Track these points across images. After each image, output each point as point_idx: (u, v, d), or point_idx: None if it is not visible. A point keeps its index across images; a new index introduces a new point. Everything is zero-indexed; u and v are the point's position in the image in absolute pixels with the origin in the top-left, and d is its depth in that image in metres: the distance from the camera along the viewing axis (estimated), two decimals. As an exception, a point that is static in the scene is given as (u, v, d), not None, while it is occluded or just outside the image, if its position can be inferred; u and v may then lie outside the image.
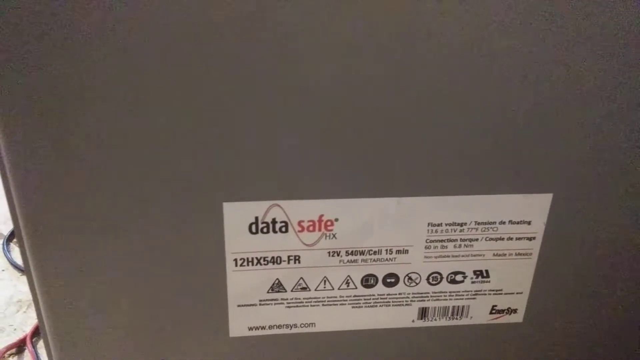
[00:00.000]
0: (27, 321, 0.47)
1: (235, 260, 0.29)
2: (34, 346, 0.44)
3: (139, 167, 0.26)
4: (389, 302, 0.31)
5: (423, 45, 0.25)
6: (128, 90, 0.24)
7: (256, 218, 0.29)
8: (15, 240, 0.57)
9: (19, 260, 0.55)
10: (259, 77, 0.25)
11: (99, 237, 0.28)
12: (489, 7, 0.25)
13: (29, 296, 0.49)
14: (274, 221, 0.29)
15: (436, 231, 0.30)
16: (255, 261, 0.30)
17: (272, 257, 0.30)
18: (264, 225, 0.29)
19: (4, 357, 0.43)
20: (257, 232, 0.29)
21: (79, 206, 0.27)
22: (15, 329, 0.47)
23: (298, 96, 0.26)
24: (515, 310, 0.33)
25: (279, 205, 0.28)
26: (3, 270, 0.54)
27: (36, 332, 0.46)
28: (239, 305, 0.31)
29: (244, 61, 0.24)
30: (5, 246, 0.56)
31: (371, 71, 0.25)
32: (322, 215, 0.29)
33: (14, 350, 0.45)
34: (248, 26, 0.24)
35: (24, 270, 0.51)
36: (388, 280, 0.31)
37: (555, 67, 0.26)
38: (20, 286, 0.52)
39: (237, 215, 0.28)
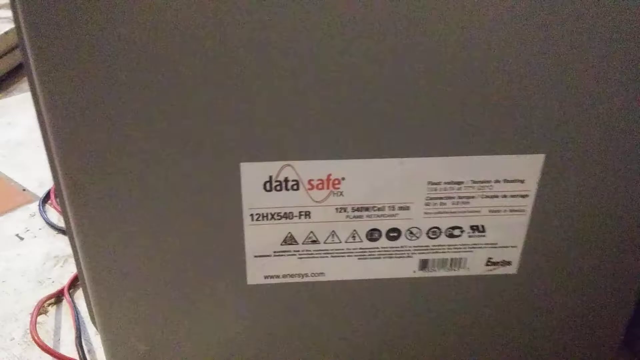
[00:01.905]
0: (64, 274, 0.52)
1: (252, 215, 0.32)
2: (71, 296, 0.48)
3: (169, 135, 0.29)
4: (392, 254, 0.34)
5: (419, 11, 0.27)
6: (156, 71, 0.27)
7: (270, 177, 0.31)
8: (49, 201, 0.62)
9: (54, 220, 0.59)
10: (271, 54, 0.27)
11: (130, 197, 0.31)
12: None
13: (65, 252, 0.54)
14: (286, 180, 0.32)
15: (435, 189, 0.33)
16: (269, 216, 0.33)
17: (285, 213, 0.33)
18: (277, 183, 0.32)
19: (43, 306, 0.48)
20: (271, 190, 0.32)
21: (114, 171, 0.30)
22: (53, 282, 0.51)
23: (305, 70, 0.28)
24: (509, 263, 0.35)
25: (290, 165, 0.31)
26: (40, 229, 0.58)
27: (72, 285, 0.50)
28: (255, 256, 0.34)
29: (253, 44, 0.27)
30: (41, 207, 0.61)
31: (371, 43, 0.28)
32: (330, 175, 0.32)
33: (52, 301, 0.49)
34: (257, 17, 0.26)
35: (59, 228, 0.55)
36: (391, 234, 0.34)
37: (550, 32, 0.28)
38: (57, 243, 0.56)
39: (253, 174, 0.31)
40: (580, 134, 0.31)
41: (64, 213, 0.34)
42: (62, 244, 0.55)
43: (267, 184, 0.32)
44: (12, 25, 0.98)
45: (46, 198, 0.62)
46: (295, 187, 0.32)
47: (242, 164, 0.31)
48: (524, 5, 0.27)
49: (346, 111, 0.30)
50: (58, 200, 0.32)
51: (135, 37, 0.27)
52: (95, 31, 0.26)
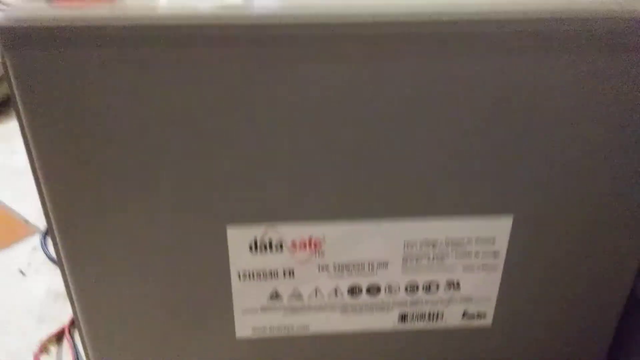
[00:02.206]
0: (65, 311, 0.54)
1: (239, 274, 0.34)
2: (71, 335, 0.50)
3: (159, 200, 0.31)
4: (373, 308, 0.36)
5: (391, 90, 0.29)
6: (144, 132, 0.29)
7: (255, 238, 0.34)
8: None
9: (54, 255, 0.61)
10: (256, 127, 0.29)
11: (123, 252, 0.33)
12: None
13: (66, 289, 0.56)
14: (270, 242, 0.34)
15: (411, 248, 0.35)
16: (255, 275, 0.35)
17: (270, 272, 0.35)
18: (262, 245, 0.34)
19: (45, 346, 0.50)
20: (256, 251, 0.34)
21: (107, 228, 0.32)
22: (54, 319, 0.53)
23: (287, 141, 0.30)
24: (484, 315, 0.37)
25: (274, 228, 0.33)
26: (42, 264, 0.60)
27: (72, 324, 0.52)
28: (243, 310, 0.36)
29: (240, 113, 0.29)
30: (43, 241, 0.63)
31: (348, 121, 0.30)
32: (311, 236, 0.34)
33: (54, 340, 0.51)
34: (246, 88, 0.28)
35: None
36: (370, 290, 0.36)
37: (517, 95, 0.30)
38: (57, 278, 0.58)
39: (239, 237, 0.33)
40: (544, 197, 0.33)
41: (56, 252, 0.35)
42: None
43: (252, 246, 0.34)
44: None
45: (48, 231, 0.64)
46: (278, 248, 0.34)
47: (228, 229, 0.33)
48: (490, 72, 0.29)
49: (327, 177, 0.32)
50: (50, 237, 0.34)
51: (125, 125, 0.29)
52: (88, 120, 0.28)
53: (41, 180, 0.31)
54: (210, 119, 0.29)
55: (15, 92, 0.28)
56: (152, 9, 0.27)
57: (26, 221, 0.67)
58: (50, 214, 0.32)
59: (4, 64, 0.27)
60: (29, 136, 0.30)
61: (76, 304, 0.35)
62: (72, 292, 0.35)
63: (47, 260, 0.61)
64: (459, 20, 0.28)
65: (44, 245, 0.63)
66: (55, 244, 0.34)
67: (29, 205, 0.70)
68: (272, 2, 0.28)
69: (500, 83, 0.29)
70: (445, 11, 0.28)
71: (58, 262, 0.35)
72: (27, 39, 0.26)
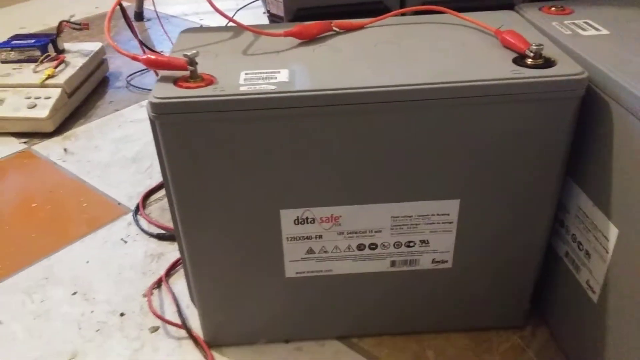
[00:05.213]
0: (160, 267, 0.76)
1: (287, 237, 0.55)
2: (167, 282, 0.72)
3: (244, 196, 0.52)
4: (373, 257, 0.57)
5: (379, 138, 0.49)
6: (234, 161, 0.50)
7: (297, 217, 0.54)
8: (140, 213, 0.85)
9: (145, 227, 0.83)
10: (298, 159, 0.50)
11: (220, 226, 0.54)
12: (411, 113, 0.48)
13: (158, 251, 0.78)
14: (306, 218, 0.54)
15: (396, 220, 0.55)
16: (298, 238, 0.55)
17: (307, 236, 0.55)
18: (302, 220, 0.54)
19: (152, 292, 0.72)
20: (298, 224, 0.54)
21: (213, 215, 0.53)
22: (153, 273, 0.75)
23: (317, 166, 0.50)
24: (446, 261, 0.57)
25: (309, 210, 0.54)
26: (137, 234, 0.82)
27: (167, 274, 0.74)
28: (290, 261, 0.57)
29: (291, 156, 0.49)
30: (135, 217, 0.85)
31: (353, 155, 0.50)
32: (332, 214, 0.54)
33: (155, 286, 0.73)
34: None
35: (150, 234, 0.78)
36: (371, 246, 0.56)
37: (466, 134, 0.49)
38: (151, 245, 0.80)
39: (287, 216, 0.54)
40: (478, 188, 0.53)
41: (174, 223, 0.56)
42: (155, 245, 0.79)
43: (296, 221, 0.54)
44: (85, 60, 1.21)
45: (137, 210, 0.86)
46: (312, 221, 0.54)
47: (281, 211, 0.53)
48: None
49: (342, 182, 0.52)
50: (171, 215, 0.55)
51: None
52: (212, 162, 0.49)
53: (172, 189, 0.52)
54: (273, 155, 0.49)
55: (161, 142, 0.49)
56: (237, 88, 0.47)
57: (119, 203, 0.89)
58: (175, 202, 0.53)
59: (152, 124, 0.48)
60: (166, 165, 0.50)
61: (185, 253, 0.57)
62: (186, 247, 0.56)
63: (140, 231, 0.83)
64: (426, 89, 0.47)
65: (136, 220, 0.84)
66: (173, 216, 0.55)
67: (118, 191, 0.92)
68: (306, 81, 0.48)
69: (457, 129, 0.48)
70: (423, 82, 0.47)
71: (174, 230, 0.56)
72: (166, 109, 0.47)
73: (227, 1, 1.68)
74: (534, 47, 0.48)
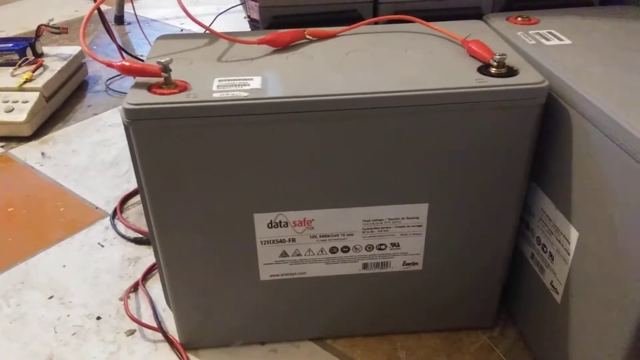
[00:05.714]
0: (137, 271, 0.76)
1: (261, 241, 0.56)
2: (144, 286, 0.73)
3: (218, 201, 0.53)
4: (345, 260, 0.58)
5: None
6: (210, 166, 0.51)
7: (271, 220, 0.55)
8: (117, 217, 0.86)
9: (122, 231, 0.83)
10: (271, 164, 0.51)
11: (193, 230, 0.55)
12: (380, 120, 0.50)
13: (135, 255, 0.78)
14: (280, 222, 0.55)
15: (367, 223, 0.56)
16: (271, 241, 0.56)
17: (280, 239, 0.56)
18: (275, 224, 0.55)
19: (128, 296, 0.72)
20: (271, 227, 0.55)
21: (187, 216, 0.54)
22: (130, 276, 0.76)
23: (290, 171, 0.51)
24: (416, 263, 0.59)
25: (282, 214, 0.55)
26: (114, 239, 0.82)
27: (144, 278, 0.74)
28: (264, 264, 0.58)
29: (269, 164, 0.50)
30: (112, 222, 0.85)
31: (329, 160, 0.51)
32: (305, 218, 0.55)
33: (131, 289, 0.73)
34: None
35: (127, 238, 0.79)
36: (343, 249, 0.57)
37: (437, 139, 0.51)
38: (128, 249, 0.80)
39: (261, 220, 0.55)
40: (445, 193, 0.54)
41: (148, 227, 0.57)
42: (132, 249, 0.80)
43: (269, 224, 0.55)
44: (63, 64, 1.21)
45: (114, 214, 0.87)
46: (285, 225, 0.55)
47: (255, 215, 0.54)
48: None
49: (315, 186, 0.53)
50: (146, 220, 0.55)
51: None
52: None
53: (146, 193, 0.52)
54: (247, 160, 0.50)
55: (135, 147, 0.49)
56: (209, 94, 0.48)
57: (97, 207, 0.89)
58: (149, 207, 0.54)
59: (127, 130, 0.49)
60: (140, 170, 0.51)
61: (160, 257, 0.57)
62: (160, 248, 0.57)
63: (117, 235, 0.83)
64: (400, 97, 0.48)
65: (113, 225, 0.85)
66: (148, 220, 0.56)
67: (96, 195, 0.92)
68: (278, 88, 0.49)
69: (424, 135, 0.50)
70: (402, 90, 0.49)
71: (149, 234, 0.57)
72: (140, 115, 0.48)
73: (209, 5, 1.69)
74: (497, 56, 0.50)
